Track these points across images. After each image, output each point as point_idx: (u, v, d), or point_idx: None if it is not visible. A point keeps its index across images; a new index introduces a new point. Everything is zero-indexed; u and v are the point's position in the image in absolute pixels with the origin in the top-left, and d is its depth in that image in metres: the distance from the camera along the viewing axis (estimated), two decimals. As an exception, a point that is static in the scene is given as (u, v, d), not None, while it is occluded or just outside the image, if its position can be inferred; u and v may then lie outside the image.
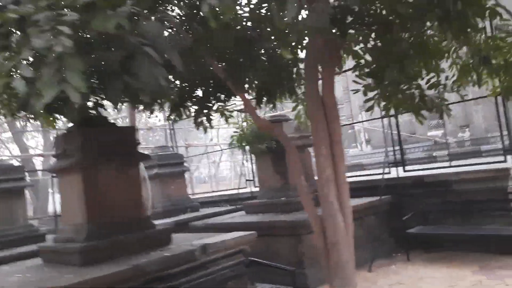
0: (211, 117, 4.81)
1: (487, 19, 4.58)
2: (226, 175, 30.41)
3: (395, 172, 7.40)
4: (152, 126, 17.10)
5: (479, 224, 6.40)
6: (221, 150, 16.96)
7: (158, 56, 2.31)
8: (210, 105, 4.76)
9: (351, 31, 3.50)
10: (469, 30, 3.59)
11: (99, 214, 4.24)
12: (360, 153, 15.70)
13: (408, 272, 5.80)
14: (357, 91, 4.08)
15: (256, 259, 4.70)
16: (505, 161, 6.28)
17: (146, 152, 6.32)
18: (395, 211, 7.02)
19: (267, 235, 5.71)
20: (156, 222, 5.27)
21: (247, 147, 6.73)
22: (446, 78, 4.54)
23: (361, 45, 3.66)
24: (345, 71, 4.25)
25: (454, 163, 7.54)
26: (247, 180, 9.89)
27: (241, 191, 9.31)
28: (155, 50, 2.31)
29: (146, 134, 25.37)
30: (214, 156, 22.72)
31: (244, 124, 6.95)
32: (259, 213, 6.67)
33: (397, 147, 14.98)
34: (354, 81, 4.07)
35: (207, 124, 4.80)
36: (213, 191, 11.23)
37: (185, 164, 9.24)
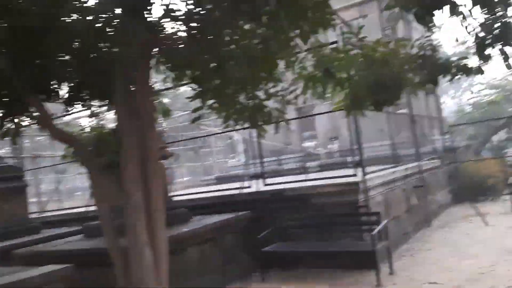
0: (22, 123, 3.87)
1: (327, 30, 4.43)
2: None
3: (256, 186, 7.06)
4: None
5: (337, 238, 6.30)
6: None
7: None
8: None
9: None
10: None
11: None
12: (238, 164, 15.45)
13: (260, 295, 5.41)
14: (192, 98, 3.52)
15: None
16: (355, 175, 6.27)
17: None
18: (255, 228, 6.63)
19: (100, 264, 4.86)
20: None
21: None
22: (290, 90, 4.23)
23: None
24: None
25: (311, 175, 7.44)
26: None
27: (92, 208, 8.22)
28: None
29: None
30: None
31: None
32: (100, 237, 5.76)
33: (271, 158, 15.14)
34: (191, 88, 3.51)
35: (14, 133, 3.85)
36: (64, 209, 9.93)
37: (24, 178, 7.88)
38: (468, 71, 3.89)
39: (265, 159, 14.97)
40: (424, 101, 14.61)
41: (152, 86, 3.20)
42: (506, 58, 3.44)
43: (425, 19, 3.77)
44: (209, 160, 23.34)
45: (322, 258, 6.00)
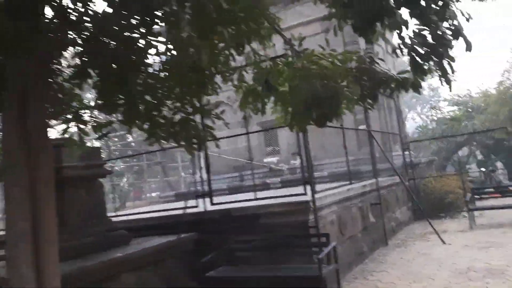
0: None
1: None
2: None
3: (203, 205, 6.68)
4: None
5: (287, 261, 5.96)
6: None
7: None
8: None
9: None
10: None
11: None
12: (199, 180, 14.97)
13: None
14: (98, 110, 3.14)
15: None
16: (305, 193, 5.98)
17: None
18: (201, 251, 6.23)
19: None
20: None
21: None
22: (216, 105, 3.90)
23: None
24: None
25: (263, 194, 7.11)
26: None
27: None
28: None
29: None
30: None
31: None
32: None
33: (233, 174, 14.76)
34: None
35: None
36: None
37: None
38: (405, 86, 3.67)
39: (226, 175, 14.72)
40: (388, 117, 14.64)
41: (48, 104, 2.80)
42: (443, 73, 3.24)
43: (365, 31, 3.56)
44: (176, 175, 22.78)
45: (268, 283, 5.64)
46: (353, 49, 12.43)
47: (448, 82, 3.28)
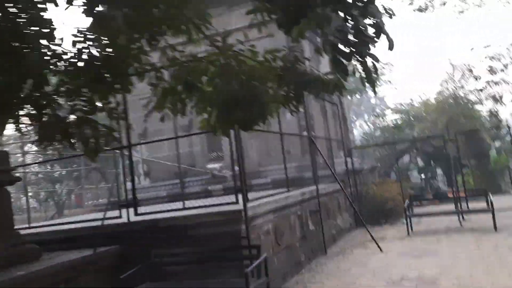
0: None
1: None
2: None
3: (127, 216, 6.17)
4: None
5: (217, 275, 5.58)
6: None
7: None
8: None
9: None
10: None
11: None
12: (138, 187, 14.27)
13: None
14: None
15: None
16: (236, 202, 5.64)
17: None
18: (123, 266, 5.71)
19: None
20: None
21: None
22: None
23: None
24: None
25: (192, 203, 6.69)
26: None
27: None
28: None
29: None
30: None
31: None
32: None
33: (174, 181, 14.20)
34: None
35: None
36: None
37: None
38: (327, 88, 3.43)
39: (167, 182, 14.11)
40: (333, 124, 14.67)
41: None
42: (367, 74, 3.00)
43: (289, 28, 3.27)
44: (116, 182, 21.75)
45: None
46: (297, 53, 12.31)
47: (371, 82, 3.05)
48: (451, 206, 10.96)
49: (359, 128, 43.66)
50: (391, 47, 2.95)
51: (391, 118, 25.21)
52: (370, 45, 2.79)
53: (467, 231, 9.28)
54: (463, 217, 10.41)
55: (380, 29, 2.75)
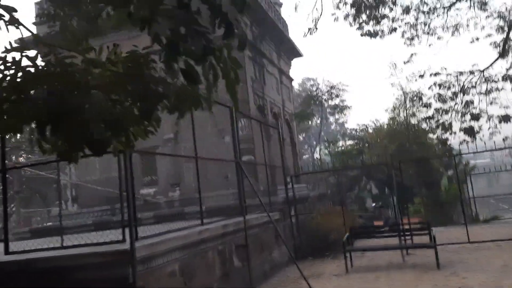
0: None
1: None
2: None
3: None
4: None
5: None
6: None
7: None
8: None
9: None
10: None
11: None
12: (64, 213, 12.94)
13: None
14: None
15: None
16: (123, 240, 4.67)
17: None
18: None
19: None
20: None
21: None
22: None
23: None
24: None
25: (74, 238, 5.65)
26: None
27: None
28: None
29: None
30: None
31: None
32: None
33: (105, 207, 12.94)
34: None
35: None
36: None
37: None
38: (196, 103, 2.60)
39: (96, 208, 12.86)
40: (278, 149, 13.93)
41: None
42: (226, 77, 2.20)
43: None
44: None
45: None
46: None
47: (231, 90, 2.25)
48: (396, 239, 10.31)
49: (317, 155, 43.53)
50: (242, 46, 2.18)
51: (347, 143, 24.98)
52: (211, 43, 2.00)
53: (409, 267, 8.60)
54: (407, 252, 9.76)
55: (230, 25, 1.99)
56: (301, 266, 9.69)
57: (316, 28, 14.07)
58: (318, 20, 14.14)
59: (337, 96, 27.34)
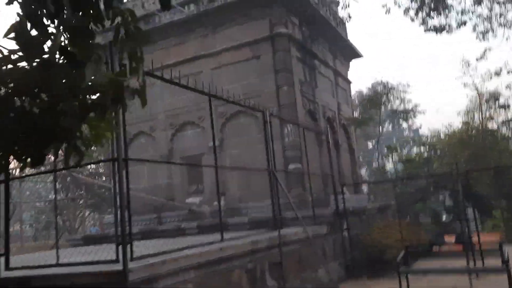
0: None
1: None
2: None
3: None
4: None
5: None
6: None
7: None
8: None
9: None
10: None
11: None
12: (110, 221, 12.98)
13: None
14: None
15: None
16: (117, 260, 4.15)
17: None
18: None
19: None
20: None
21: None
22: None
23: None
24: None
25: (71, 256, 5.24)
26: None
27: None
28: None
29: None
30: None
31: None
32: None
33: (151, 216, 12.77)
34: None
35: None
36: None
37: None
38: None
39: (142, 217, 12.73)
40: (334, 156, 12.95)
41: None
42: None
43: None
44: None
45: None
46: (284, 78, 10.87)
47: (142, 95, 1.60)
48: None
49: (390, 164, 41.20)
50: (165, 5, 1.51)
51: (420, 151, 23.06)
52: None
53: (476, 295, 7.30)
54: (476, 275, 8.38)
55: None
56: (352, 286, 8.74)
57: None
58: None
59: (408, 100, 25.59)
